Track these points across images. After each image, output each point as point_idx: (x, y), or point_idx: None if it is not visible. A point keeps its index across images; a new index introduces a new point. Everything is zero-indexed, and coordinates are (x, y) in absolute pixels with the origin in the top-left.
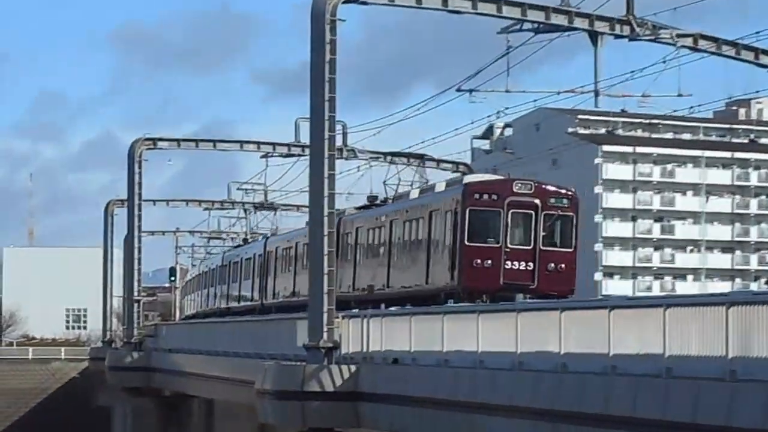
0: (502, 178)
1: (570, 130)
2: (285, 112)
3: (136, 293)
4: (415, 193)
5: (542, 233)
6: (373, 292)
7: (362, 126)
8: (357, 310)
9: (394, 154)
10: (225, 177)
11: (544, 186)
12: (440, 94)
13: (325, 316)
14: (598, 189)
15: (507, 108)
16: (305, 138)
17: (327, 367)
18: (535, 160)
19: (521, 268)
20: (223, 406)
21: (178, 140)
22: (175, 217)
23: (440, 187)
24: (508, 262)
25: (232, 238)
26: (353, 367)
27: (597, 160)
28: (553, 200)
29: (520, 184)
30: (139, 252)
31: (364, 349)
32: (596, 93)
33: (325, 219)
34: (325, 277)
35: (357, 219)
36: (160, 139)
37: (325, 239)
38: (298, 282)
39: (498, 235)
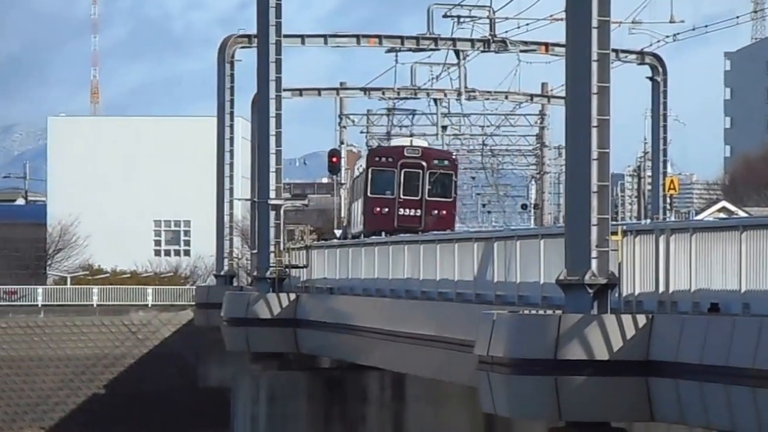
0: (398, 145)
1: None
2: None
3: (272, 194)
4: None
5: (428, 187)
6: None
7: None
8: (648, 221)
9: None
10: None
11: (429, 150)
12: None
13: (594, 231)
14: None
15: None
16: None
17: (597, 318)
18: None
19: (411, 213)
20: (419, 383)
21: None
22: (339, 66)
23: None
24: (401, 209)
25: (434, 100)
26: (642, 319)
27: None
28: (436, 161)
29: (410, 150)
30: (279, 124)
31: (660, 289)
32: None
33: (593, 66)
34: (594, 165)
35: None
36: None
37: (593, 89)
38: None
39: (393, 189)
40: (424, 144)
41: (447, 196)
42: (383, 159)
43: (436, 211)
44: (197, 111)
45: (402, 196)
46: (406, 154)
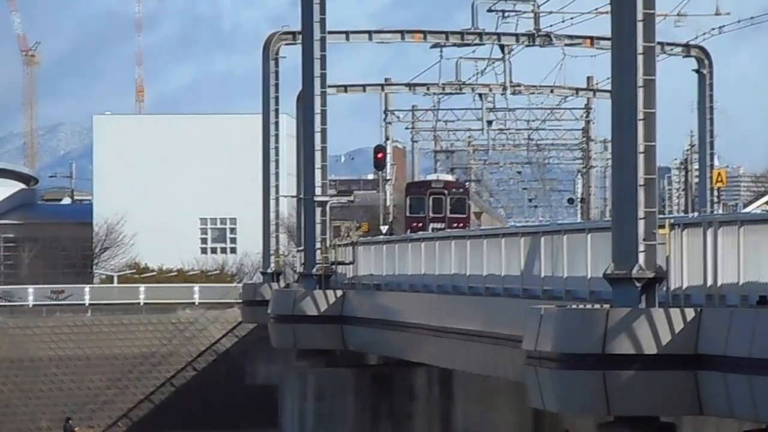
0: (427, 179)
1: None
2: None
3: (318, 190)
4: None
5: (449, 208)
6: None
7: None
8: (695, 214)
9: None
10: None
11: (449, 181)
12: None
13: (641, 225)
14: None
15: None
16: None
17: (645, 312)
18: None
19: (438, 227)
20: (467, 379)
21: None
22: (388, 63)
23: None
24: (431, 225)
25: (479, 95)
26: (690, 313)
27: None
28: (454, 190)
29: (435, 182)
30: (324, 120)
31: (708, 282)
32: None
33: (639, 59)
34: (640, 159)
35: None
36: None
37: (639, 82)
38: None
39: (425, 210)
40: (449, 177)
41: (462, 213)
42: (417, 189)
43: (455, 225)
44: (246, 108)
45: (431, 215)
46: (432, 185)
